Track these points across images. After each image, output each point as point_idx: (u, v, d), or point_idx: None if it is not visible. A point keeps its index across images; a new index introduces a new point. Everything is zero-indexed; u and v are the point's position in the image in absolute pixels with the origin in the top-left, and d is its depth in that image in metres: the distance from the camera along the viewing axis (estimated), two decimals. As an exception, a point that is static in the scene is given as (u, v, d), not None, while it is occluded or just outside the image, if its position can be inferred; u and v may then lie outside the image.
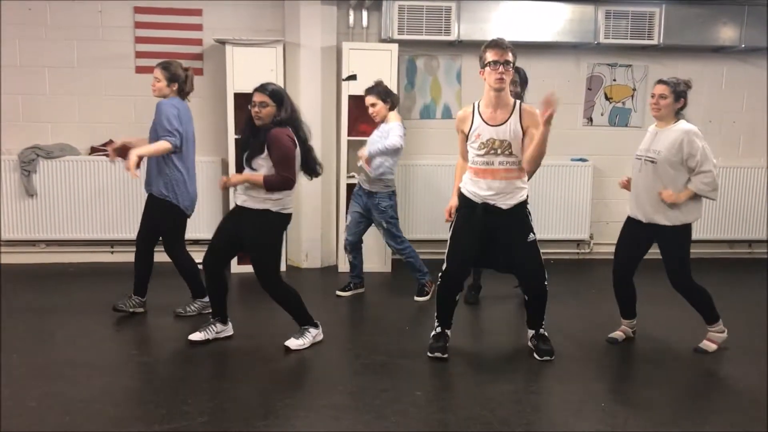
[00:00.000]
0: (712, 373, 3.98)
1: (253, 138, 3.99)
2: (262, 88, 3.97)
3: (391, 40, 6.04)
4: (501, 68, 3.69)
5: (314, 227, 6.18)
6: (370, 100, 5.04)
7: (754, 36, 6.30)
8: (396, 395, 3.55)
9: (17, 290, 5.28)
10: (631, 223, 4.23)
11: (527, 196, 3.95)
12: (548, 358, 4.03)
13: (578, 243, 6.75)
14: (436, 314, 4.16)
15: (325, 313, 5.03)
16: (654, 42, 6.27)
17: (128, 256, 5.73)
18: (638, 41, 6.28)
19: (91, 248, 6.20)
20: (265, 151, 3.91)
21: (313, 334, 4.21)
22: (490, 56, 3.71)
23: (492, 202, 3.85)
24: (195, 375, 3.80)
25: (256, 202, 3.97)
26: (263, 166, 3.94)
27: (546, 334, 4.15)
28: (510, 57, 3.71)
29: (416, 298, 5.21)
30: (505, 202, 3.86)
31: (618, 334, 4.37)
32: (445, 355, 4.04)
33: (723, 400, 3.62)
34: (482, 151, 3.82)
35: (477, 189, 3.89)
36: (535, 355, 4.07)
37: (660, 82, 4.08)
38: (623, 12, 6.18)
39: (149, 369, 3.90)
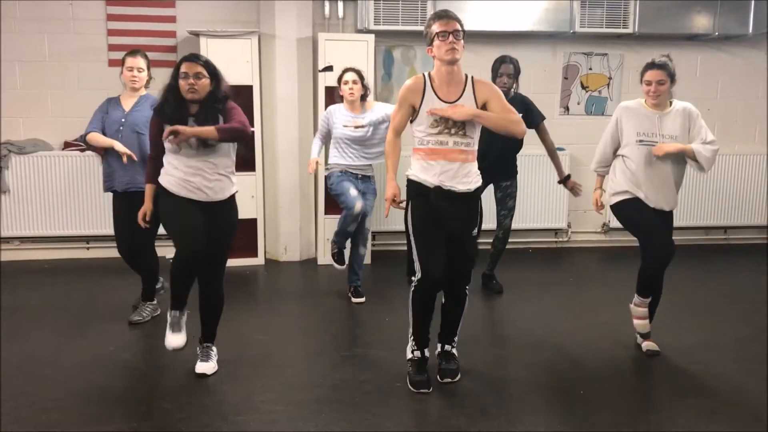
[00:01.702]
0: (693, 359, 4.01)
1: (198, 118, 3.48)
2: (194, 58, 3.51)
3: (368, 31, 6.01)
4: (451, 38, 3.35)
5: (293, 220, 6.15)
6: (352, 76, 4.87)
7: (728, 24, 6.36)
8: (376, 387, 3.55)
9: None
10: (640, 203, 3.93)
11: (478, 185, 3.57)
12: (449, 380, 3.58)
13: (556, 232, 6.79)
14: (411, 330, 3.68)
15: (305, 305, 5.02)
16: (629, 31, 6.30)
17: (104, 252, 5.70)
18: (613, 30, 6.32)
19: (67, 245, 6.12)
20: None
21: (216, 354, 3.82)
22: (437, 28, 3.38)
23: (447, 186, 3.45)
24: (174, 372, 3.76)
25: (224, 191, 3.64)
26: (221, 147, 3.57)
27: (454, 351, 3.72)
28: (458, 27, 3.39)
29: (356, 300, 4.98)
30: (460, 185, 3.46)
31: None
32: (430, 389, 3.52)
33: (704, 383, 3.66)
34: (435, 129, 3.43)
35: (428, 175, 3.47)
36: (437, 376, 3.61)
37: (653, 67, 3.88)
38: (598, 1, 6.21)
39: (127, 367, 3.85)
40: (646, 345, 4.07)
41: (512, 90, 4.96)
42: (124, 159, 4.26)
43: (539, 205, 6.58)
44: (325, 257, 6.02)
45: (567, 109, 6.68)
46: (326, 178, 5.07)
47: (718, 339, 4.30)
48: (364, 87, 4.95)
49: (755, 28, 6.37)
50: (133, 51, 4.50)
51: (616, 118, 4.04)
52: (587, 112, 6.69)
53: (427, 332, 3.67)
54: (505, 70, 4.87)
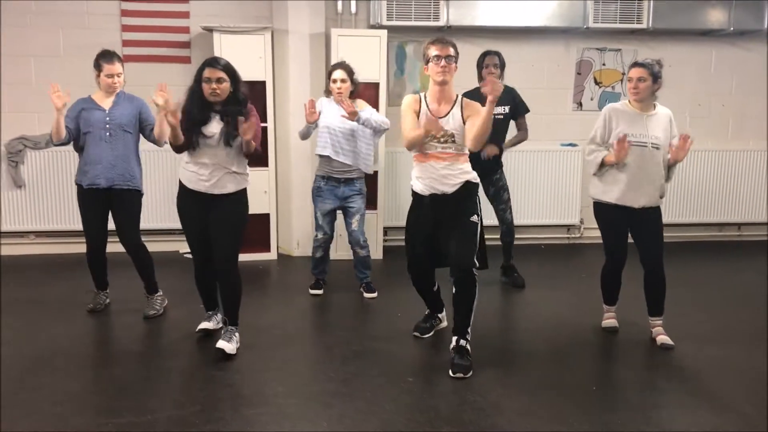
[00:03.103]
0: (705, 355, 4.01)
1: (225, 116, 3.74)
2: (215, 63, 3.74)
3: (380, 26, 6.01)
4: (443, 62, 3.74)
5: (305, 215, 6.17)
6: (340, 74, 4.75)
7: (743, 19, 6.31)
8: (388, 381, 3.56)
9: (7, 282, 5.25)
10: (617, 211, 4.09)
11: (476, 182, 3.89)
12: (461, 375, 3.62)
13: (568, 228, 6.77)
14: None
15: (317, 300, 5.04)
16: (643, 26, 6.27)
17: (118, 246, 5.71)
18: (627, 25, 6.29)
19: (81, 239, 6.11)
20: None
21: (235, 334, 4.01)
22: (432, 51, 3.76)
23: (439, 191, 3.82)
24: (186, 364, 3.80)
25: (240, 184, 3.90)
26: (237, 145, 3.81)
27: (468, 347, 3.77)
28: (451, 52, 3.76)
29: (368, 295, 5.03)
30: (450, 185, 3.81)
31: (614, 322, 4.36)
32: (424, 336, 4.19)
33: (717, 380, 3.64)
34: (426, 139, 3.79)
35: (421, 180, 3.86)
36: (450, 371, 3.66)
37: (636, 65, 4.02)
38: (612, -4, 6.19)
39: (141, 359, 3.89)
40: (661, 339, 4.09)
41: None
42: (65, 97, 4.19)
43: (551, 201, 6.56)
44: (337, 252, 6.04)
45: (580, 104, 6.65)
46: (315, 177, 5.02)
47: (730, 335, 4.28)
48: (354, 83, 4.82)
49: (771, 23, 6.33)
50: (108, 54, 4.44)
51: (604, 116, 4.11)
52: (600, 108, 6.58)
53: (430, 300, 4.25)
54: (491, 61, 5.00)
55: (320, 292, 5.06)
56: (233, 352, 3.84)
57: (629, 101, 4.10)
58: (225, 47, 5.65)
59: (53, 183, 6.02)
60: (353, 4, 6.15)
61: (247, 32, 5.72)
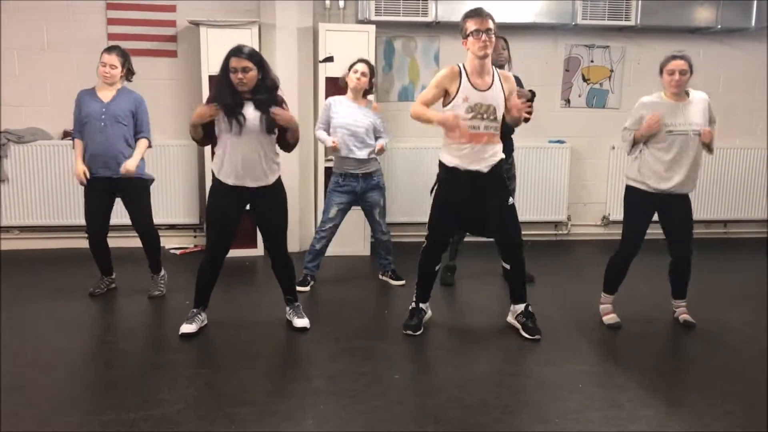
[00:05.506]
0: (689, 352, 4.03)
1: (258, 106, 3.83)
2: (239, 52, 3.77)
3: (369, 22, 5.98)
4: (483, 36, 3.76)
5: (292, 210, 6.04)
6: (362, 67, 4.90)
7: (731, 17, 6.33)
8: (374, 379, 3.55)
9: (-10, 277, 5.20)
10: (650, 199, 4.15)
11: (502, 157, 4.05)
12: (538, 336, 4.06)
13: (556, 224, 6.78)
14: (415, 287, 4.23)
15: (303, 297, 5.01)
16: (631, 23, 6.27)
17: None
18: (615, 22, 6.29)
19: (66, 234, 6.10)
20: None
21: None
22: (471, 26, 3.78)
23: (474, 168, 3.91)
24: (172, 362, 3.76)
25: (274, 174, 4.03)
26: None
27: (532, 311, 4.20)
28: (490, 25, 3.79)
29: (395, 282, 5.16)
30: (486, 165, 3.94)
31: (615, 318, 4.37)
32: (417, 333, 4.12)
33: (699, 379, 3.65)
34: (469, 115, 3.85)
35: (458, 159, 3.93)
36: (525, 333, 4.10)
37: (676, 58, 4.07)
38: (600, -7, 6.19)
39: (125, 356, 3.86)
40: (684, 317, 4.34)
41: (510, 63, 4.92)
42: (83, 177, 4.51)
43: (539, 198, 6.56)
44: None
45: (568, 101, 6.66)
46: (332, 173, 5.09)
47: (718, 333, 4.30)
48: (371, 83, 4.98)
49: (758, 22, 6.34)
50: (111, 47, 4.64)
51: (639, 115, 4.12)
52: (588, 105, 6.67)
53: (427, 292, 4.23)
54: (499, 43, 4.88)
55: (306, 289, 5.02)
56: (308, 325, 4.17)
57: (663, 93, 4.15)
58: (212, 41, 5.60)
59: (37, 177, 5.95)
60: (341, -2, 6.12)
61: (234, 26, 5.68)
